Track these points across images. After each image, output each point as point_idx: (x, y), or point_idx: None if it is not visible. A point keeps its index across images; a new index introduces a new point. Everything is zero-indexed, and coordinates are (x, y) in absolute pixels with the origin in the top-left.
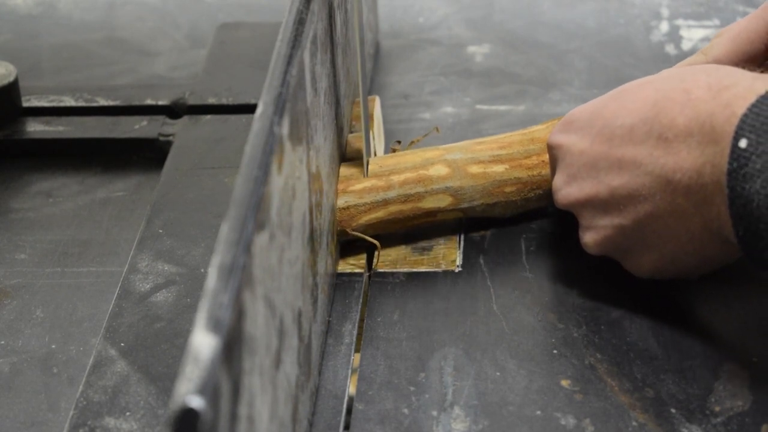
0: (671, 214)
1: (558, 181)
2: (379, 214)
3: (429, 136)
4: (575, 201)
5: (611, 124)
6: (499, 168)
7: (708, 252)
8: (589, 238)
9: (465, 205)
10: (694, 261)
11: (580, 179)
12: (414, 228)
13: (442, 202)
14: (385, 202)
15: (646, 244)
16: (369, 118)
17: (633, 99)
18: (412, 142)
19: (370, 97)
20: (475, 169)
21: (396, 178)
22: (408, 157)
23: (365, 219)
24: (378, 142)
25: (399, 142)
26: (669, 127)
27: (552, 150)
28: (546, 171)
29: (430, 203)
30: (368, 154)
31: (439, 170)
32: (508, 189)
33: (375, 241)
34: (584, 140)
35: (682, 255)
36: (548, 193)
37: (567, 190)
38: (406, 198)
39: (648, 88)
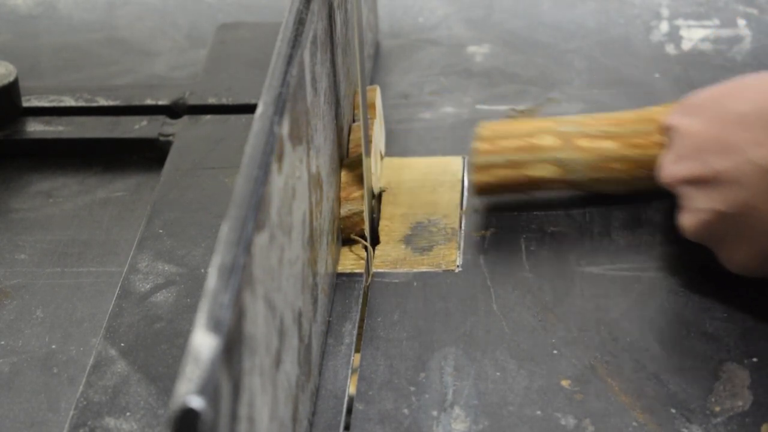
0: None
1: (666, 159)
2: (485, 177)
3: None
4: (679, 179)
5: (726, 109)
6: (608, 144)
7: None
8: (687, 220)
9: (571, 177)
10: None
11: (687, 159)
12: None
13: (549, 171)
14: (494, 166)
15: (740, 235)
16: (369, 109)
17: (753, 88)
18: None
19: (370, 87)
20: (584, 142)
21: (504, 144)
22: (518, 125)
23: (475, 180)
24: (380, 133)
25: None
26: None
27: (669, 130)
28: (656, 152)
29: (536, 171)
30: (367, 154)
31: (548, 140)
32: (615, 165)
33: (367, 244)
34: (698, 122)
35: None
36: (655, 176)
37: (672, 168)
38: (513, 164)
39: None
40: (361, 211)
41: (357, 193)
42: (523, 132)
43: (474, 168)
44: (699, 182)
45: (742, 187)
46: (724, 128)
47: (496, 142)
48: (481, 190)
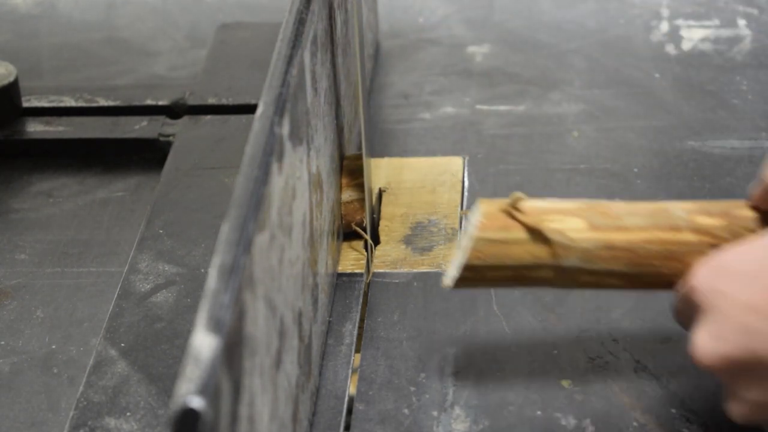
0: None
1: (701, 338)
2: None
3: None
4: (725, 362)
5: None
6: (613, 281)
7: None
8: (735, 410)
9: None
10: None
11: (731, 340)
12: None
13: (533, 287)
14: (471, 287)
15: None
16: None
17: None
18: (533, 226)
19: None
20: (586, 278)
21: (491, 275)
22: (515, 251)
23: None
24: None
25: (521, 198)
26: None
27: (696, 294)
28: (659, 288)
29: (518, 287)
30: (368, 153)
31: (545, 274)
32: (613, 287)
33: (368, 238)
34: (744, 294)
35: None
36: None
37: (712, 350)
38: (495, 286)
39: None
40: (361, 198)
41: (356, 180)
42: (518, 262)
43: (452, 286)
44: (750, 370)
45: None
46: None
47: (482, 273)
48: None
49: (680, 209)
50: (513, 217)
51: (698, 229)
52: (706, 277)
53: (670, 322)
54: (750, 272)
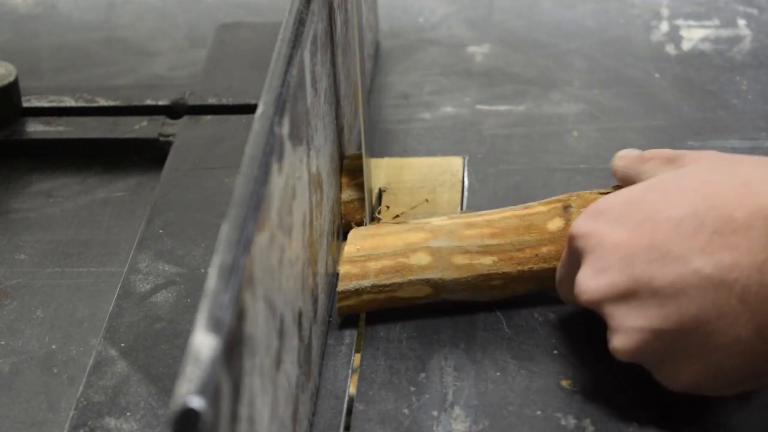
0: (721, 318)
1: (584, 275)
2: (351, 302)
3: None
4: (605, 297)
5: (654, 216)
6: (486, 260)
7: (758, 364)
8: (619, 342)
9: (445, 295)
10: (740, 375)
11: (612, 272)
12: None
13: (420, 292)
14: (358, 292)
15: (686, 353)
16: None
17: (677, 190)
18: (397, 216)
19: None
20: (460, 259)
21: (372, 266)
22: (389, 239)
23: (338, 305)
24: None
25: (387, 207)
26: (725, 222)
27: (576, 240)
28: (538, 267)
29: (406, 293)
30: (368, 153)
31: (421, 259)
32: (493, 282)
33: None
34: (619, 231)
35: (727, 367)
36: (537, 286)
37: (595, 283)
38: (381, 289)
39: (692, 179)
40: (361, 198)
41: (356, 180)
42: (393, 249)
43: (338, 294)
44: (630, 297)
45: (691, 300)
46: (656, 237)
47: (363, 263)
48: (345, 313)
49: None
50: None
51: (545, 203)
52: (582, 223)
53: None
54: (618, 211)
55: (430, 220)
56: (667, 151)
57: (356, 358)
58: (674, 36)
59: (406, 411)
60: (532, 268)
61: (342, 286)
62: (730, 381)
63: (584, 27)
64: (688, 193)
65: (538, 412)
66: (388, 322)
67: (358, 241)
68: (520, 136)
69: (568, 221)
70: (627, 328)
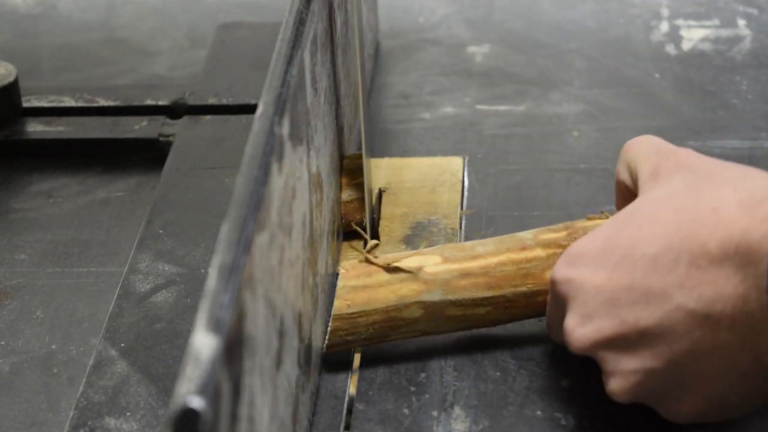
0: (714, 351)
1: (571, 322)
2: (339, 348)
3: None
4: (594, 343)
5: (631, 254)
6: (480, 311)
7: (760, 386)
8: (615, 385)
9: (436, 334)
10: (744, 399)
11: (598, 318)
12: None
13: (410, 334)
14: (348, 343)
15: (685, 387)
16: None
17: (651, 223)
18: (390, 265)
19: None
20: (453, 311)
21: (363, 322)
22: (381, 293)
23: (326, 347)
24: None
25: (377, 244)
26: (700, 254)
27: (558, 286)
28: (531, 312)
29: (396, 337)
30: (368, 153)
31: (414, 312)
32: (484, 324)
33: (367, 237)
34: (599, 274)
35: (729, 394)
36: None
37: (583, 331)
38: (371, 338)
39: (665, 208)
40: (361, 197)
41: (356, 180)
42: (385, 304)
43: (327, 347)
44: (620, 341)
45: (680, 337)
46: (635, 277)
47: (354, 321)
48: (332, 351)
49: (526, 233)
50: (371, 263)
51: (545, 244)
52: (561, 268)
53: None
54: (596, 253)
55: (423, 263)
56: (652, 159)
57: (356, 358)
58: (674, 36)
59: (406, 411)
60: (525, 313)
61: (331, 341)
62: (735, 406)
63: (584, 27)
64: (661, 226)
65: (538, 412)
66: None
67: (348, 294)
68: (520, 136)
69: None
70: (621, 372)
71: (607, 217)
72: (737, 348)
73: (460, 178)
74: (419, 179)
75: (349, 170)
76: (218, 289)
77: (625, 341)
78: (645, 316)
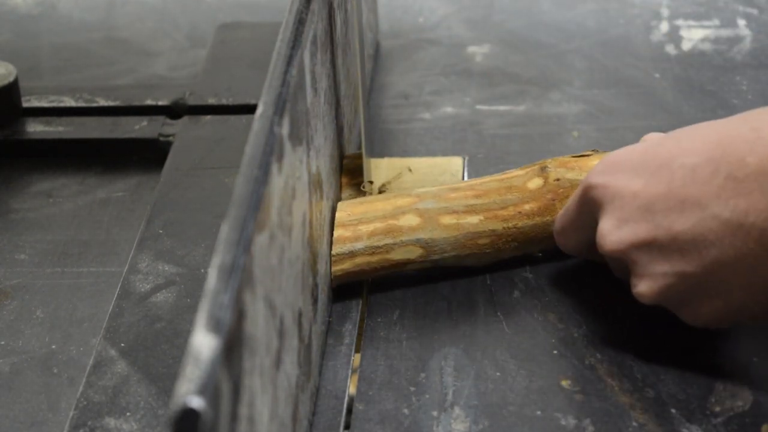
0: (742, 260)
1: (606, 225)
2: (346, 265)
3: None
4: (629, 246)
5: (669, 164)
6: (473, 219)
7: None
8: (644, 287)
9: (436, 256)
10: (762, 308)
11: (633, 222)
12: (381, 277)
13: (412, 254)
14: (352, 254)
15: (710, 293)
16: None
17: (691, 138)
18: (383, 186)
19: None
20: (447, 219)
21: (364, 228)
22: (378, 205)
23: (333, 270)
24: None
25: (371, 182)
26: (738, 167)
27: (593, 191)
28: (522, 223)
29: (398, 255)
30: (368, 155)
31: (410, 220)
32: (481, 241)
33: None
34: (636, 181)
35: (751, 304)
36: (522, 245)
37: (618, 234)
38: (374, 250)
39: (706, 128)
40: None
41: (356, 179)
42: (383, 213)
43: (333, 257)
44: (653, 245)
45: (711, 244)
46: (673, 185)
47: (355, 227)
48: (340, 279)
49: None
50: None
51: (524, 167)
52: (597, 175)
53: (670, 322)
54: (634, 163)
55: (414, 189)
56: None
57: (356, 358)
58: (674, 36)
59: (406, 411)
60: (516, 224)
61: (336, 249)
62: (752, 314)
63: (584, 27)
64: (701, 141)
65: (538, 412)
66: (388, 322)
67: (348, 207)
68: (520, 136)
69: (546, 180)
70: (651, 274)
71: (596, 151)
72: (763, 258)
73: (460, 178)
74: (419, 179)
75: (349, 170)
76: (218, 289)
77: (658, 245)
78: (680, 222)
